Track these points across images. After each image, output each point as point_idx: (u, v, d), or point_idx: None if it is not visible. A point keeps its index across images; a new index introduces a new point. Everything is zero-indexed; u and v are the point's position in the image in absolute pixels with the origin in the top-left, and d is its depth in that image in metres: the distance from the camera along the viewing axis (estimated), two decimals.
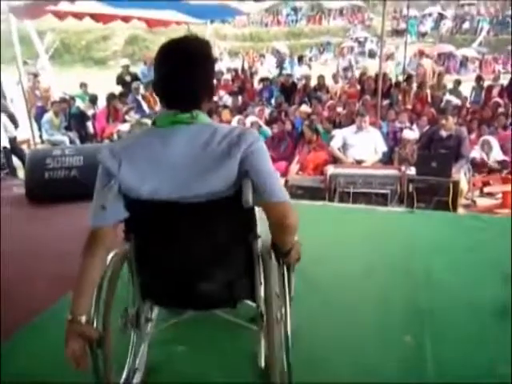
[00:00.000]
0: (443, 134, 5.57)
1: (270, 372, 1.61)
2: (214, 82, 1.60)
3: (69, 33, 23.92)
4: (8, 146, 6.14)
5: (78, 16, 6.13)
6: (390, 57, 14.46)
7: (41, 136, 8.27)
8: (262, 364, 1.90)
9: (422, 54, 14.63)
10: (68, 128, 8.45)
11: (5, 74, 9.90)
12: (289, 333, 1.53)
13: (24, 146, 6.88)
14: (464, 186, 5.01)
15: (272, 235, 1.51)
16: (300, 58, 16.26)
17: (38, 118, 8.53)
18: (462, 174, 5.10)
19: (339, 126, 7.28)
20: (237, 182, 1.38)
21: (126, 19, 7.20)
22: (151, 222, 1.49)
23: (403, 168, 5.05)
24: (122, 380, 1.78)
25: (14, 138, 6.75)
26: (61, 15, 5.94)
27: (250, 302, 1.75)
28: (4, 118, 6.53)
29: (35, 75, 10.58)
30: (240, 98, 9.73)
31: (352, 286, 2.60)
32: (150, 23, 7.80)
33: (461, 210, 4.70)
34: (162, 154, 1.38)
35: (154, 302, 1.80)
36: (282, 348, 1.55)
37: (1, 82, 9.37)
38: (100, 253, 1.42)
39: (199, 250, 1.50)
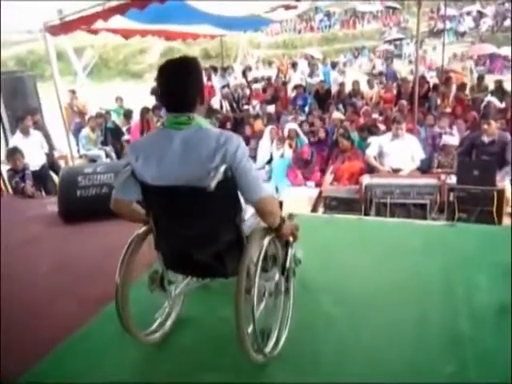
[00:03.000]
0: (485, 139, 5.30)
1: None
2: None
3: (106, 47, 24.64)
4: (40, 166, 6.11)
5: (115, 32, 6.23)
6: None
7: (78, 151, 8.43)
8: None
9: (454, 56, 14.17)
10: (104, 142, 8.59)
11: (44, 91, 10.17)
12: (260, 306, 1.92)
13: (61, 162, 6.99)
14: (510, 194, 4.72)
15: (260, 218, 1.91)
16: (334, 64, 16.02)
17: (76, 133, 8.69)
18: (507, 182, 4.82)
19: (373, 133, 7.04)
20: (219, 176, 1.71)
21: (159, 34, 7.26)
22: (157, 202, 1.91)
23: (443, 177, 4.81)
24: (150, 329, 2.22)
25: (52, 155, 6.85)
26: (94, 31, 6.04)
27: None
28: (41, 136, 6.64)
29: (73, 92, 10.80)
30: (274, 106, 9.61)
31: (387, 305, 2.52)
32: (178, 36, 7.84)
33: (506, 221, 4.42)
34: (166, 151, 1.78)
35: (168, 268, 2.14)
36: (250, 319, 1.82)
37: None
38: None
39: (192, 225, 1.87)
